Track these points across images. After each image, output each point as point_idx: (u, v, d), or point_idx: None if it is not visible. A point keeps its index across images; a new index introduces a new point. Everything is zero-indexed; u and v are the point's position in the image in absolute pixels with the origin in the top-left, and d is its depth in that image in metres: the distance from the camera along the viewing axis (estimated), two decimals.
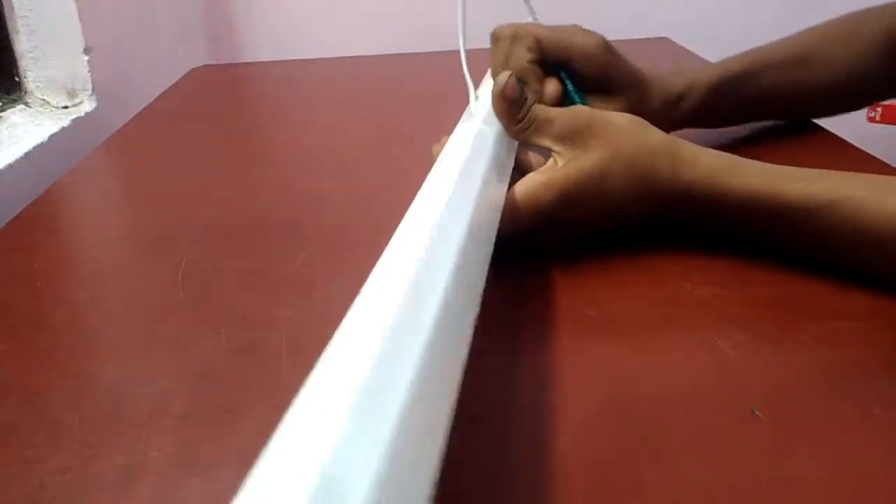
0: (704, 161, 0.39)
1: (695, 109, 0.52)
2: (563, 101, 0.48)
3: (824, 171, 0.38)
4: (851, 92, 0.58)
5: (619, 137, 0.39)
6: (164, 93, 0.86)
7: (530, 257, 0.41)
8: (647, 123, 0.40)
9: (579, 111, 0.40)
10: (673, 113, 0.51)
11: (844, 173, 0.38)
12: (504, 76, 0.41)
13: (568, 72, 0.48)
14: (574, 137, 0.39)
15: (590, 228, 0.41)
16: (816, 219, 0.37)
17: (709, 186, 0.38)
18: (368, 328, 0.21)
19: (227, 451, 0.28)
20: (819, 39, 0.56)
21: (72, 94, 0.81)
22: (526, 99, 0.41)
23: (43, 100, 0.81)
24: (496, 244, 0.40)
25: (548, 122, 0.40)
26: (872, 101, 0.61)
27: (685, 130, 0.53)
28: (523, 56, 0.47)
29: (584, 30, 0.49)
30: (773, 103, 0.57)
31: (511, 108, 0.40)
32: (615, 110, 0.44)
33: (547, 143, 0.40)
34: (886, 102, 1.24)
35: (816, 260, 0.38)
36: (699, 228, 0.41)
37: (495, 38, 0.49)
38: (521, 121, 0.40)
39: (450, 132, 0.43)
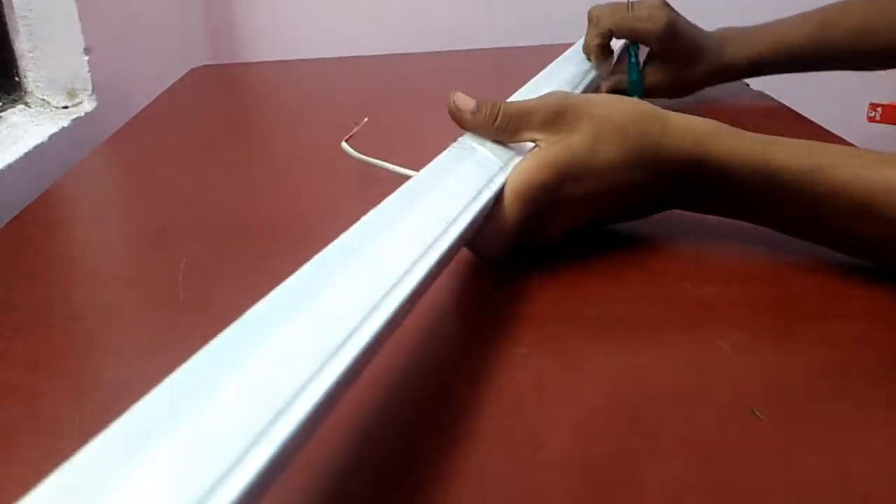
0: (694, 125, 0.39)
1: (738, 76, 0.68)
2: (628, 70, 0.65)
3: (817, 142, 0.39)
4: None
5: (602, 111, 0.39)
6: (164, 93, 0.86)
7: (537, 254, 0.41)
8: (627, 97, 0.41)
9: (556, 96, 0.40)
10: (719, 77, 0.66)
11: (837, 145, 0.39)
12: (451, 99, 0.41)
13: (637, 47, 0.65)
14: (557, 121, 0.39)
15: (590, 211, 0.40)
16: (808, 181, 0.37)
17: (700, 149, 0.38)
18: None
19: None
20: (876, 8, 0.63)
21: (72, 94, 0.81)
22: (488, 104, 0.41)
23: (43, 100, 0.81)
24: (505, 246, 0.40)
25: (528, 114, 0.40)
26: None
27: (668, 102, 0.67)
28: (594, 39, 0.64)
29: (656, 9, 0.62)
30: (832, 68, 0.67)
31: (475, 116, 0.40)
32: (668, 76, 0.64)
33: (531, 134, 0.40)
34: (886, 102, 1.24)
35: (807, 226, 0.39)
36: (692, 196, 0.41)
37: (588, 18, 0.66)
38: (495, 121, 0.40)
39: (450, 132, 0.43)
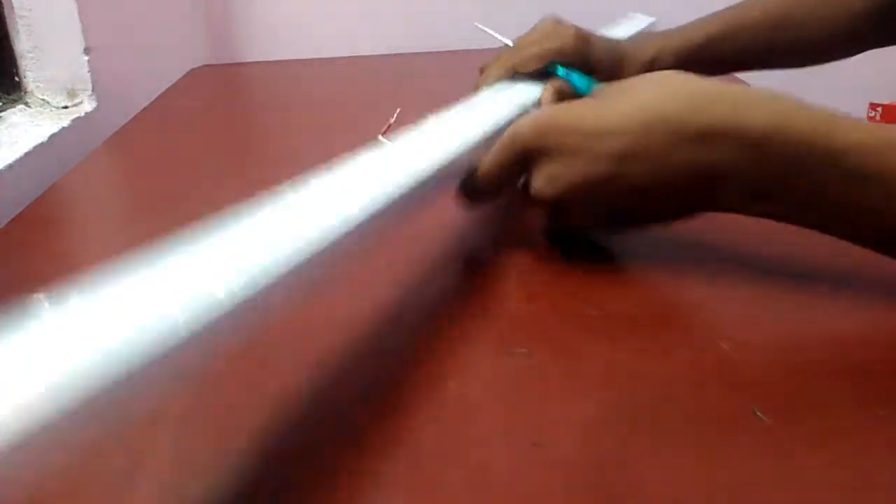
0: (763, 102, 0.35)
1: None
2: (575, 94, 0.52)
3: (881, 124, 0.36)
4: (831, 51, 0.61)
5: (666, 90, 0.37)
6: (164, 93, 0.86)
7: (536, 253, 0.41)
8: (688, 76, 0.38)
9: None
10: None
11: None
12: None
13: (564, 67, 0.53)
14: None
15: (625, 200, 0.37)
16: (874, 161, 0.33)
17: (756, 128, 0.34)
18: None
19: (226, 452, 0.28)
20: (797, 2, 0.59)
21: (72, 94, 0.81)
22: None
23: (43, 100, 0.81)
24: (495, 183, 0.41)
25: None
26: (853, 53, 0.61)
27: None
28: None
29: (557, 27, 0.54)
30: (740, 66, 0.62)
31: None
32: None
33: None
34: (886, 102, 1.24)
35: (872, 207, 0.34)
36: (738, 183, 0.36)
37: (480, 70, 0.58)
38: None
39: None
